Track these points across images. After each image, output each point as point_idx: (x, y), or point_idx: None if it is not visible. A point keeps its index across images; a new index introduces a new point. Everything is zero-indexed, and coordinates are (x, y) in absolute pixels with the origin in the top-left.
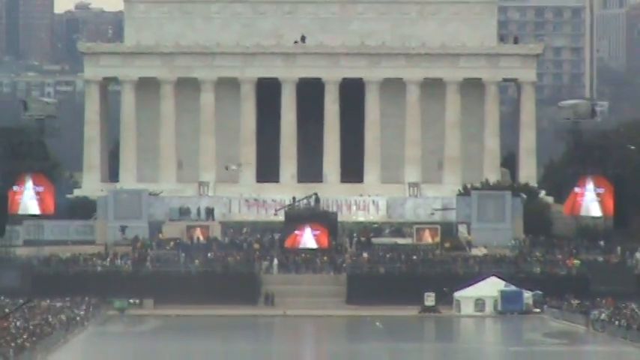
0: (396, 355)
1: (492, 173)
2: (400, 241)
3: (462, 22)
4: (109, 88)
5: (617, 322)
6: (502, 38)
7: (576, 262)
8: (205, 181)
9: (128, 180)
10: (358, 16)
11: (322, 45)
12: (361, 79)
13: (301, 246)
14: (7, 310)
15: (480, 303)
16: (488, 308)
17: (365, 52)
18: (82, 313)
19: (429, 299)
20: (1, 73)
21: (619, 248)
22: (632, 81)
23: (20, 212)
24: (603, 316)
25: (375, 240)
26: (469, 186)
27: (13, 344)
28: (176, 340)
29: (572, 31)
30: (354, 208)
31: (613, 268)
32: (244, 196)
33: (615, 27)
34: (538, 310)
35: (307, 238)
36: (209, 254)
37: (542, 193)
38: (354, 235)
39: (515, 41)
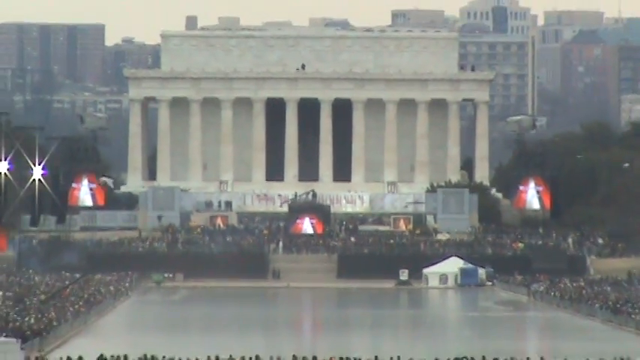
0: (376, 319)
1: (454, 175)
2: (380, 228)
3: (430, 54)
4: (148, 105)
5: (552, 294)
6: (462, 67)
7: (520, 245)
8: (225, 180)
9: (164, 179)
10: (347, 48)
11: (318, 72)
12: (349, 99)
13: (302, 232)
14: (67, 282)
15: (443, 277)
16: (450, 282)
17: (352, 77)
18: (126, 285)
19: (403, 275)
20: (63, 93)
21: (554, 234)
22: (565, 101)
23: (78, 204)
24: (541, 288)
25: (360, 227)
26: (435, 185)
27: (71, 309)
28: (201, 306)
29: (518, 62)
30: (343, 201)
31: (549, 250)
32: (256, 192)
33: (552, 58)
34: (490, 283)
35: (306, 226)
36: (228, 238)
37: (493, 191)
38: (344, 223)
39: (472, 69)
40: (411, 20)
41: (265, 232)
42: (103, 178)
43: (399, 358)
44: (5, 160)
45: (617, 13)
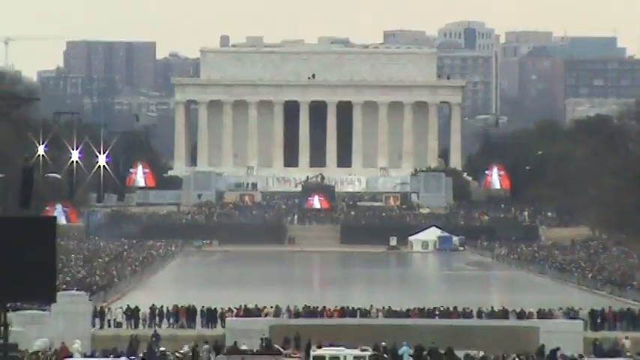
0: (370, 277)
1: (433, 162)
2: (374, 204)
3: (414, 66)
4: (190, 107)
5: (511, 256)
6: (440, 76)
7: (486, 217)
8: (251, 166)
9: (202, 165)
10: (348, 61)
11: (325, 80)
12: (350, 101)
13: (312, 207)
14: (125, 247)
15: (425, 244)
16: (430, 247)
17: (352, 84)
18: (173, 249)
19: (393, 241)
20: (122, 97)
21: (513, 209)
22: (522, 103)
23: (134, 185)
24: (503, 252)
25: (358, 203)
26: (418, 170)
27: (129, 268)
28: (232, 266)
29: (484, 72)
30: (345, 183)
31: (509, 221)
32: (276, 176)
33: (511, 69)
34: (462, 248)
35: (316, 202)
36: (253, 212)
37: (465, 174)
38: (346, 200)
39: (448, 78)
40: (399, 39)
41: (283, 207)
42: None
43: (389, 307)
44: (77, 149)
45: (564, 33)
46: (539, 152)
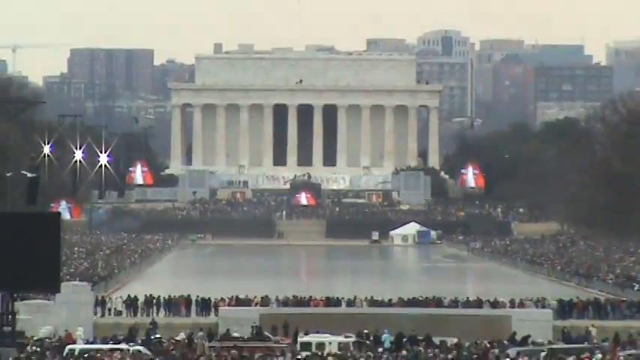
0: (354, 268)
1: (413, 161)
2: (358, 200)
3: (396, 72)
4: (185, 110)
5: (485, 249)
6: (419, 81)
7: (462, 213)
8: (242, 165)
9: (197, 164)
10: (333, 67)
11: (312, 85)
12: (335, 105)
13: (299, 203)
14: (125, 241)
15: (405, 238)
16: (410, 241)
17: (337, 89)
18: (169, 242)
19: (375, 235)
20: (122, 100)
21: (487, 205)
22: (495, 107)
23: (133, 183)
24: (477, 245)
25: (343, 200)
26: (398, 168)
27: (128, 260)
28: (225, 258)
29: (460, 77)
30: (330, 181)
31: (483, 217)
32: (265, 174)
33: (485, 75)
34: (439, 242)
35: (303, 199)
36: (245, 208)
37: (442, 173)
38: (331, 197)
39: (426, 83)
40: (381, 46)
41: (272, 203)
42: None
43: (372, 297)
44: (80, 149)
45: (534, 41)
46: (511, 153)
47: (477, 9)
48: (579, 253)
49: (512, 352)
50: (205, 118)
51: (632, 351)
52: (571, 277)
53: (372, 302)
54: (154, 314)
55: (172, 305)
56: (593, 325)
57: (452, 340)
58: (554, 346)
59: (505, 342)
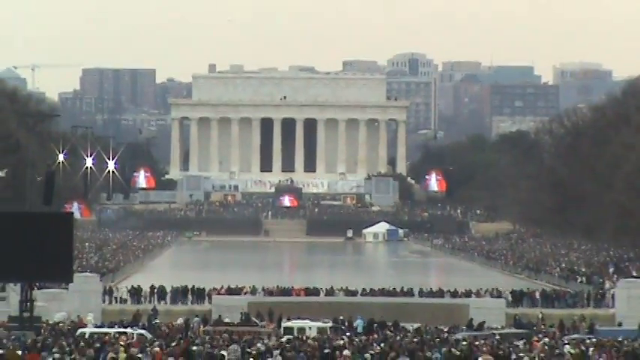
0: (331, 262)
1: (383, 168)
2: (334, 202)
3: (367, 89)
4: (183, 122)
5: (446, 246)
6: (389, 98)
7: (426, 214)
8: (233, 171)
9: (193, 170)
10: (313, 85)
11: (295, 100)
12: (315, 118)
13: (283, 205)
14: (130, 237)
15: (376, 235)
16: (380, 238)
17: (317, 104)
18: (169, 239)
19: (349, 233)
20: (128, 114)
21: (448, 207)
22: (456, 120)
23: (137, 186)
24: (439, 242)
25: (321, 202)
26: (370, 174)
27: (132, 254)
28: (218, 252)
29: (425, 95)
30: (311, 185)
31: (445, 217)
32: (253, 179)
33: (447, 92)
34: (406, 239)
35: (286, 201)
36: (235, 209)
37: (409, 179)
38: (311, 199)
39: (395, 99)
40: (355, 67)
41: (259, 205)
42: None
43: (347, 287)
44: (90, 157)
45: (490, 63)
46: (469, 161)
47: (440, 34)
48: (529, 249)
49: (466, 335)
50: (201, 129)
51: (575, 335)
52: (522, 271)
53: (347, 292)
54: (155, 302)
55: (171, 294)
56: (541, 313)
57: (414, 325)
58: (506, 331)
59: (463, 327)
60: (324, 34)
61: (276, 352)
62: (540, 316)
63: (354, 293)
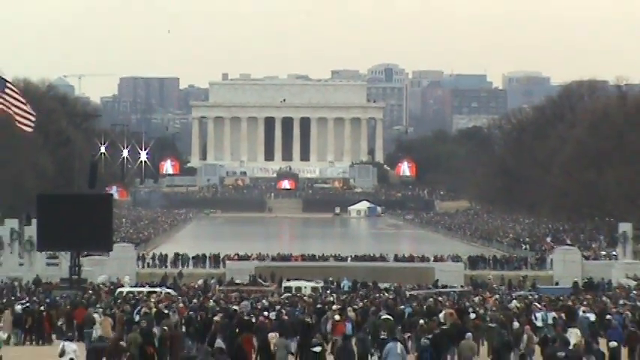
0: (323, 234)
1: (364, 157)
2: (325, 185)
3: (352, 93)
4: (202, 121)
5: (416, 220)
6: (369, 100)
7: (399, 194)
8: (242, 160)
9: (210, 159)
10: (307, 90)
11: (292, 103)
12: (309, 117)
13: (283, 187)
14: (158, 214)
15: (358, 212)
16: (362, 214)
17: (310, 106)
18: (190, 215)
19: (337, 210)
20: (157, 114)
21: (417, 188)
22: (423, 119)
23: (164, 172)
24: (410, 217)
25: (314, 185)
26: (354, 162)
27: (161, 228)
28: (230, 226)
29: (398, 97)
30: (305, 171)
31: (414, 197)
32: (259, 167)
33: (416, 96)
34: (383, 215)
35: (286, 184)
36: (244, 190)
37: (385, 166)
38: (306, 183)
39: (374, 102)
40: (342, 75)
41: (264, 187)
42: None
43: (338, 254)
44: (126, 149)
45: (451, 72)
46: (434, 151)
47: (410, 48)
48: (483, 222)
49: (431, 292)
50: (216, 126)
51: (520, 292)
52: (477, 240)
53: (336, 258)
54: (180, 266)
55: (192, 260)
56: (491, 274)
57: (389, 285)
58: (464, 289)
59: (430, 286)
60: (316, 48)
61: (278, 307)
62: (490, 276)
63: (341, 259)
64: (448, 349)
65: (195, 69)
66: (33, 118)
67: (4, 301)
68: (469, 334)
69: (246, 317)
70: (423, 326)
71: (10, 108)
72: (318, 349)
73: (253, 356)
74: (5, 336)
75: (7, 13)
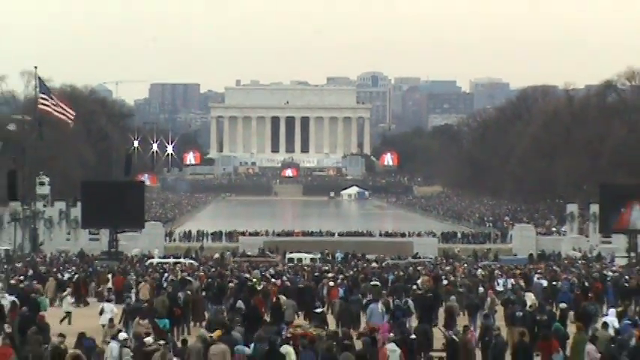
0: (320, 213)
1: (354, 150)
2: (321, 173)
3: (345, 96)
4: (219, 119)
5: (398, 202)
6: (358, 102)
7: (383, 181)
8: (252, 152)
9: (226, 151)
10: (307, 94)
11: (294, 104)
12: (308, 116)
13: (287, 175)
14: (183, 197)
15: (350, 195)
16: (353, 197)
17: (309, 107)
18: (209, 198)
19: (332, 194)
20: (181, 114)
21: (399, 176)
22: (404, 118)
23: (187, 163)
24: (393, 200)
25: (313, 173)
26: (346, 154)
27: (184, 209)
28: (243, 207)
29: (383, 99)
30: (305, 161)
31: (396, 183)
32: (266, 158)
33: (398, 99)
34: (369, 198)
35: (289, 172)
36: (254, 178)
37: (372, 157)
38: (305, 171)
39: (363, 103)
40: (336, 81)
41: (270, 175)
42: None
43: (330, 230)
44: (155, 143)
45: (427, 78)
46: (413, 145)
47: (393, 58)
48: (453, 204)
49: (409, 262)
50: (230, 124)
51: (485, 262)
52: (448, 218)
53: (330, 234)
54: (201, 241)
55: (211, 236)
56: (460, 247)
57: (376, 257)
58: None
59: (409, 257)
60: (314, 59)
61: (282, 275)
62: (458, 249)
63: (334, 234)
64: (431, 309)
65: (213, 76)
66: (72, 115)
67: (54, 270)
68: (453, 297)
69: (255, 284)
70: (416, 291)
71: (50, 107)
72: (319, 310)
73: (266, 315)
74: (71, 306)
75: (57, 27)
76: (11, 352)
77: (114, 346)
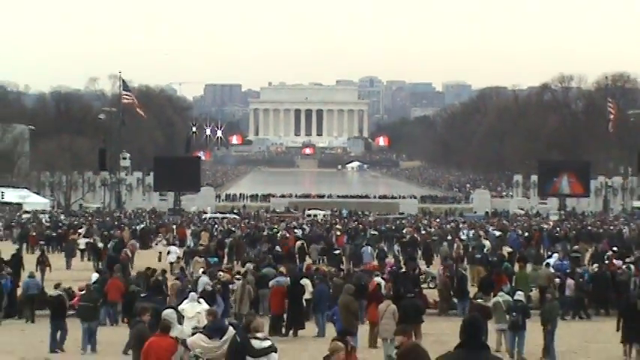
0: (330, 181)
1: (356, 134)
2: (331, 151)
3: (348, 94)
4: (255, 111)
5: (388, 173)
6: (359, 98)
7: (377, 157)
8: (280, 136)
9: (261, 135)
10: (321, 92)
11: (312, 100)
12: (322, 109)
13: (305, 153)
14: (229, 168)
15: (353, 168)
16: (355, 169)
17: (323, 102)
18: (248, 169)
19: (339, 167)
20: (228, 107)
21: (389, 154)
22: (393, 111)
23: (232, 143)
24: (384, 171)
25: (325, 151)
26: (350, 137)
27: (230, 177)
28: (273, 176)
29: (377, 96)
30: (320, 142)
31: (387, 159)
32: (291, 140)
33: (389, 97)
34: (367, 169)
35: (307, 150)
36: (282, 155)
37: (369, 139)
38: (320, 150)
39: (362, 99)
40: (343, 83)
41: (294, 152)
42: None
43: (339, 194)
44: (208, 128)
45: (410, 80)
46: (401, 130)
47: (385, 65)
48: (429, 174)
49: (394, 217)
50: (264, 115)
51: (452, 218)
52: (426, 185)
53: (338, 196)
54: (242, 201)
55: (250, 197)
56: (434, 207)
57: (370, 212)
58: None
59: (395, 214)
60: (327, 65)
61: (304, 226)
62: (433, 208)
63: (341, 197)
64: (413, 251)
65: (252, 78)
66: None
67: (127, 221)
68: (445, 243)
69: (275, 233)
70: (401, 239)
71: (133, 100)
72: (338, 251)
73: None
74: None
75: (130, 34)
76: (121, 284)
77: (204, 279)
